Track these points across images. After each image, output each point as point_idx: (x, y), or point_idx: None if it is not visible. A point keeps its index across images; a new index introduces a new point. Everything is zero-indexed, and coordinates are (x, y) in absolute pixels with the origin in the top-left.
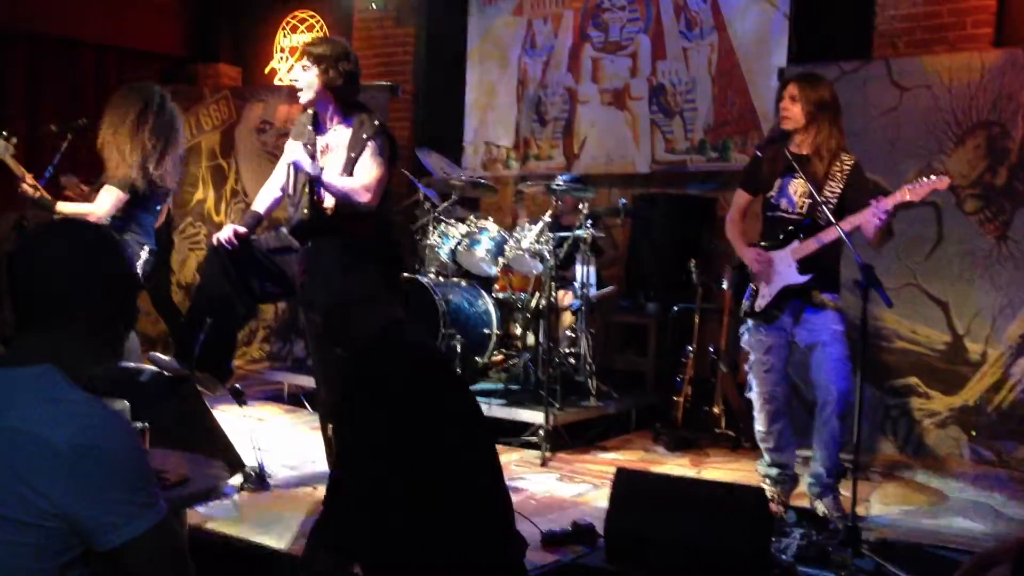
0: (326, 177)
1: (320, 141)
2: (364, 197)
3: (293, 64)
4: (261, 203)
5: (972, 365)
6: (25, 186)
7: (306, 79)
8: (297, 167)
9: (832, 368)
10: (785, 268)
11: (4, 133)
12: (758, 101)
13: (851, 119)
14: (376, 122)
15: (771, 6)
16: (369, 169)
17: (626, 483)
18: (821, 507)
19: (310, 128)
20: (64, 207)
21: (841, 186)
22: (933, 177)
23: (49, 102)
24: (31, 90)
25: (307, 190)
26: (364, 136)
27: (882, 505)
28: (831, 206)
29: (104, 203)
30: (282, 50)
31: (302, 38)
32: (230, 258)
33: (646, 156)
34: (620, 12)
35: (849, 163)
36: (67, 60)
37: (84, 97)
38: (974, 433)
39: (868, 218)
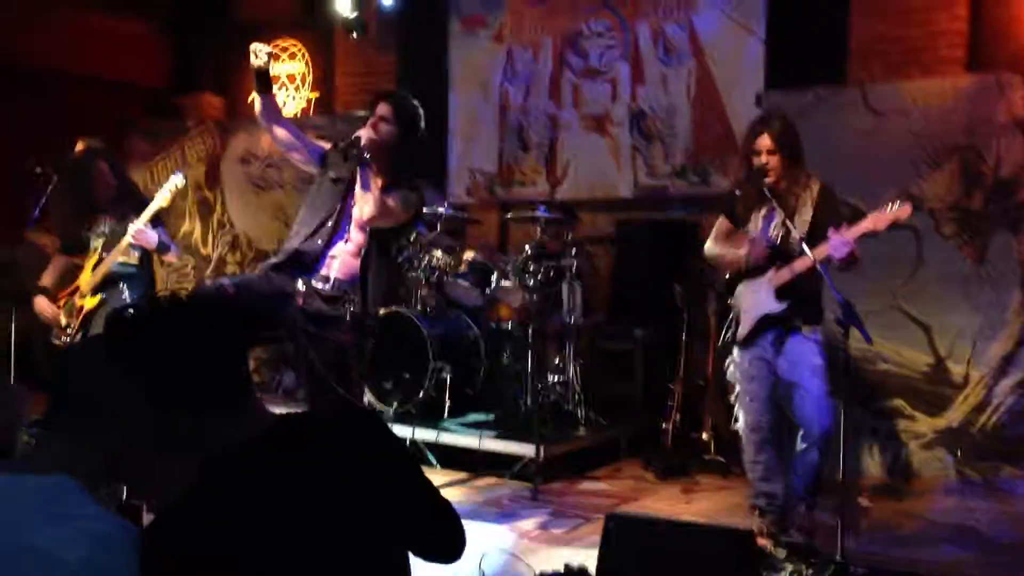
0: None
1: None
2: (369, 212)
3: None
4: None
5: (956, 387)
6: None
7: (384, 131)
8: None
9: (814, 406)
10: (764, 296)
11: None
12: (737, 125)
13: (828, 144)
14: (419, 193)
15: (747, 32)
16: (387, 203)
17: (616, 528)
18: (795, 534)
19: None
20: None
21: (812, 211)
22: (893, 206)
23: (31, 135)
24: (12, 123)
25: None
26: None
27: (870, 532)
28: (802, 234)
29: None
30: None
31: (285, 67)
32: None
33: (628, 181)
34: (599, 39)
35: (816, 188)
36: (50, 92)
37: (67, 130)
38: (959, 454)
39: (832, 249)
